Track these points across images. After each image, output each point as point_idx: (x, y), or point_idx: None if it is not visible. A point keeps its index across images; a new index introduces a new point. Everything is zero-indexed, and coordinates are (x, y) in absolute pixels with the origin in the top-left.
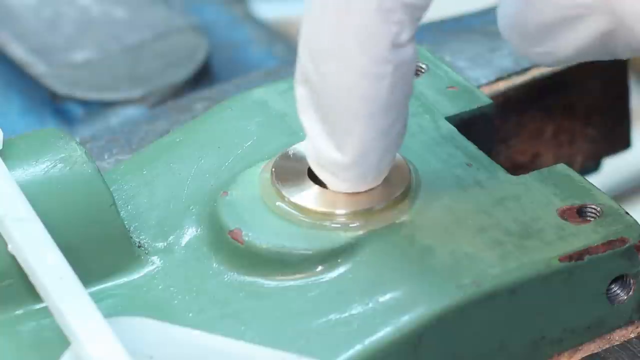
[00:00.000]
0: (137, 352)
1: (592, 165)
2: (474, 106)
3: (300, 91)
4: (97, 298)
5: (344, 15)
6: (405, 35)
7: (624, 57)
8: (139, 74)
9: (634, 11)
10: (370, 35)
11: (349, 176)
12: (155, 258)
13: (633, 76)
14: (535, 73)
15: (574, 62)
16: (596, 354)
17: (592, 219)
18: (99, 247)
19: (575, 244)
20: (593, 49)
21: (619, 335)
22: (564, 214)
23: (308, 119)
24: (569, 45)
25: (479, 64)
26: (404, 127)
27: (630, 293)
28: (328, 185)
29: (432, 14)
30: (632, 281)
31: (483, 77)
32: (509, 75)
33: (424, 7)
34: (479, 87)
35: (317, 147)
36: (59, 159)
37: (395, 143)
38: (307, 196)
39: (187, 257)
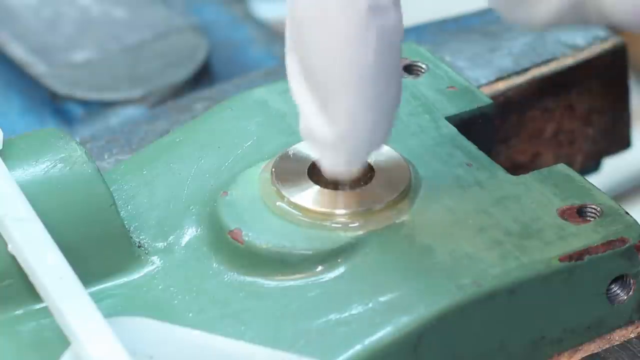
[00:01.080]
0: (137, 352)
1: (592, 165)
2: (474, 106)
3: (290, 61)
4: (97, 298)
5: None
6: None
7: (597, 23)
8: (139, 74)
9: None
10: None
11: (341, 148)
12: (155, 258)
13: (633, 76)
14: (535, 73)
15: (555, 26)
16: (596, 354)
17: (592, 219)
18: (99, 247)
19: (575, 244)
20: (568, 15)
21: (619, 335)
22: (564, 214)
23: (299, 90)
24: (545, 10)
25: (479, 64)
26: (396, 100)
27: (630, 293)
28: (321, 162)
29: (432, 14)
30: (632, 281)
31: (483, 77)
32: (509, 75)
33: None
34: (479, 87)
35: (308, 118)
36: (59, 159)
37: (386, 117)
38: (307, 196)
39: (187, 257)
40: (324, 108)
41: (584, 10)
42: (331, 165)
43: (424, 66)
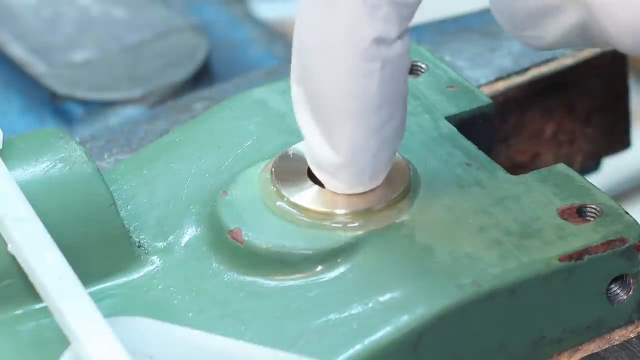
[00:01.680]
0: (137, 352)
1: (592, 165)
2: (474, 106)
3: (295, 90)
4: (97, 298)
5: (331, 12)
6: (392, 33)
7: (603, 47)
8: (139, 74)
9: (603, 5)
10: (356, 31)
11: (345, 176)
12: (155, 258)
13: (633, 76)
14: (535, 73)
15: (563, 48)
16: (596, 354)
17: (592, 219)
18: (99, 247)
19: (575, 244)
20: (575, 38)
21: (619, 335)
22: (564, 214)
23: (303, 119)
24: (552, 33)
25: (479, 64)
26: (401, 126)
27: (630, 293)
28: (326, 186)
29: (432, 14)
30: (632, 281)
31: (483, 77)
32: (509, 75)
33: (413, 5)
34: (479, 87)
35: (312, 146)
36: (59, 159)
37: (391, 142)
38: (307, 196)
39: (187, 257)
40: (328, 136)
41: (590, 34)
42: (336, 190)
43: (424, 66)
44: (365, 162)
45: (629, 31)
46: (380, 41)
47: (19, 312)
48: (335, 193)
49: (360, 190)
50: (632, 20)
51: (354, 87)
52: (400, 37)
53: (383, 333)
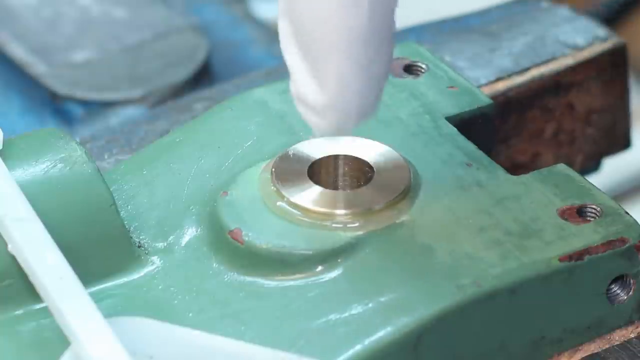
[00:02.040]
0: (137, 352)
1: (592, 165)
2: (474, 106)
3: (283, 25)
4: (97, 298)
5: None
6: None
7: None
8: (139, 74)
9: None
10: None
11: (330, 114)
12: (155, 258)
13: (633, 76)
14: (535, 73)
15: None
16: (596, 354)
17: (592, 219)
18: (99, 247)
19: (575, 244)
20: None
21: (619, 335)
22: (564, 214)
23: (290, 55)
24: None
25: (479, 64)
26: (387, 63)
27: (630, 293)
28: (312, 127)
29: (432, 14)
30: (632, 281)
31: (483, 77)
32: (509, 75)
33: None
34: (479, 87)
35: (298, 84)
36: (59, 159)
37: (377, 83)
38: (307, 196)
39: (187, 257)
40: (315, 72)
41: None
42: (320, 130)
43: (424, 66)
44: (351, 100)
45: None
46: None
47: (19, 312)
48: (335, 193)
49: (346, 130)
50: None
51: (341, 18)
52: None
53: (383, 333)
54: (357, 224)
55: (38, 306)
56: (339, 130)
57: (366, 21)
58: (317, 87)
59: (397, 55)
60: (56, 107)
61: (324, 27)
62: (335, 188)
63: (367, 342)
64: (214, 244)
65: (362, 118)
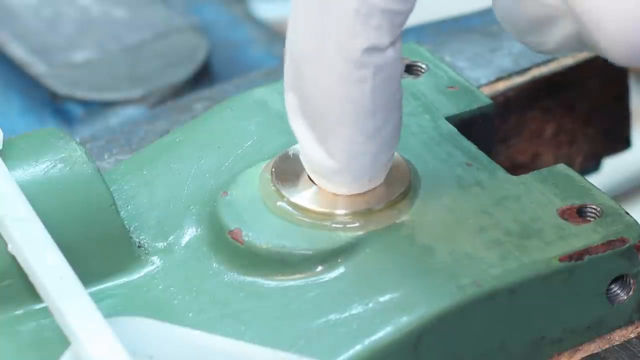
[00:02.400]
0: (137, 352)
1: (592, 165)
2: (474, 106)
3: (289, 98)
4: (97, 298)
5: (323, 20)
6: (384, 40)
7: (602, 55)
8: (139, 74)
9: (592, 17)
10: (348, 40)
11: (342, 180)
12: (155, 258)
13: (633, 76)
14: (535, 73)
15: (568, 52)
16: (596, 354)
17: (592, 219)
18: (99, 247)
19: (575, 244)
20: (575, 45)
21: (619, 335)
22: (564, 214)
23: (298, 126)
24: (552, 39)
25: (479, 64)
26: (397, 129)
27: (630, 293)
28: (325, 188)
29: (432, 14)
30: (632, 281)
31: (483, 77)
32: (509, 75)
33: (404, 13)
34: (479, 87)
35: (308, 153)
36: (59, 159)
37: (387, 145)
38: (307, 196)
39: (187, 257)
40: (323, 142)
41: (585, 42)
42: (335, 191)
43: (424, 66)
44: (362, 166)
45: (618, 43)
46: (372, 49)
47: (19, 312)
48: (335, 193)
49: (361, 191)
50: (621, 32)
51: (346, 94)
52: (392, 43)
53: (383, 333)
54: (357, 224)
55: (38, 306)
56: (352, 191)
57: (370, 95)
58: (326, 155)
59: None
60: (56, 107)
61: (329, 102)
62: None
63: (367, 342)
64: (214, 244)
65: (376, 178)
